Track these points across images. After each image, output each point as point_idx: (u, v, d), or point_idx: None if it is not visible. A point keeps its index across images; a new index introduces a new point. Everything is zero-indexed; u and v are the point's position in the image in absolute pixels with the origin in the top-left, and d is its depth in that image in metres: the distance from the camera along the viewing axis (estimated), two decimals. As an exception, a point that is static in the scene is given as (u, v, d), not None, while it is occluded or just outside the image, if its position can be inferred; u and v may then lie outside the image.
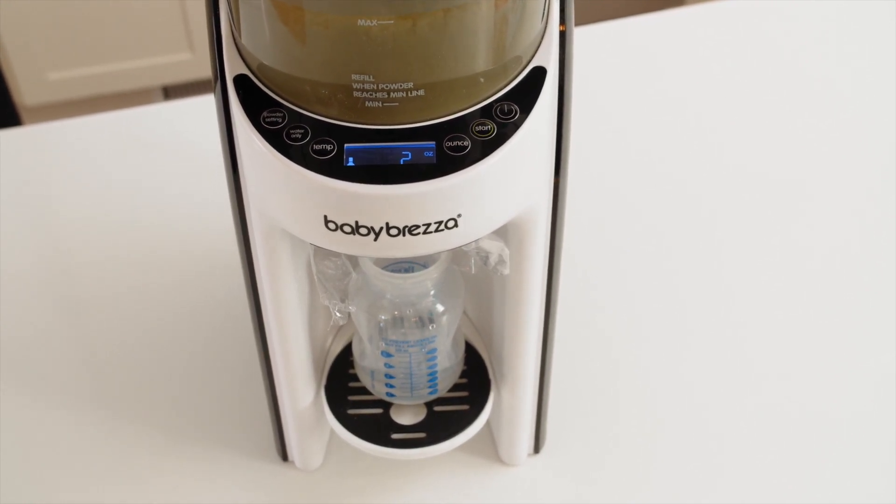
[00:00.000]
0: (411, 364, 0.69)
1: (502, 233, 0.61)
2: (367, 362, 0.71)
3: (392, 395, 0.71)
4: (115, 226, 0.96)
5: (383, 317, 0.67)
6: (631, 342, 0.86)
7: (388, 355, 0.68)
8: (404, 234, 0.54)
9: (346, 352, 0.75)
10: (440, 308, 0.67)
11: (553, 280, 0.66)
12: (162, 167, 1.02)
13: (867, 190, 0.99)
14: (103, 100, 2.00)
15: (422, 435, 0.70)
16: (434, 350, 0.69)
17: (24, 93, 1.96)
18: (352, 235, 0.54)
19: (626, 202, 0.99)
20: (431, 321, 0.67)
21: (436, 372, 0.70)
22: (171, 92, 2.10)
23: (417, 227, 0.54)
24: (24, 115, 2.00)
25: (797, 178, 1.00)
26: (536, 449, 0.77)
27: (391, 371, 0.70)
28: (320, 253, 0.67)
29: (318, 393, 0.73)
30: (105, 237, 0.95)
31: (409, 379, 0.70)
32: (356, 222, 0.54)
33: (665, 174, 1.02)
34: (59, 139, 1.07)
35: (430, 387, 0.71)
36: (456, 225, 0.55)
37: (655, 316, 0.88)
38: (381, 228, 0.54)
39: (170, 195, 0.99)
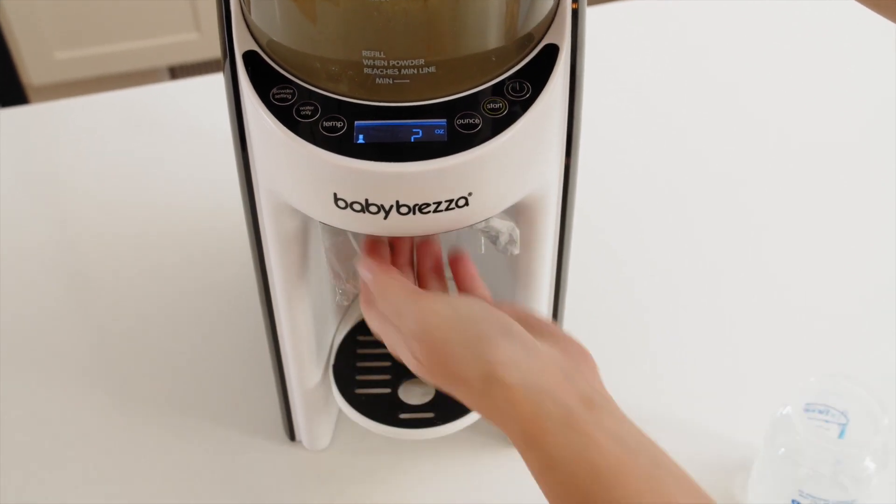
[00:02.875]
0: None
1: (512, 213, 0.60)
2: None
3: None
4: (123, 204, 0.96)
5: None
6: (641, 323, 0.85)
7: None
8: (414, 213, 0.54)
9: (354, 332, 0.75)
10: None
11: (563, 260, 0.66)
12: (169, 146, 1.01)
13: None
14: (110, 80, 1.99)
15: (430, 415, 0.70)
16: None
17: (31, 72, 1.95)
18: (361, 213, 0.54)
19: (645, 181, 0.98)
20: None
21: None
22: (178, 72, 2.09)
23: (428, 205, 0.54)
24: (30, 94, 2.00)
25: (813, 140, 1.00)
26: (545, 430, 0.76)
27: None
28: (330, 231, 0.67)
29: (325, 373, 0.72)
30: (112, 216, 0.94)
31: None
32: (366, 200, 0.53)
33: (687, 152, 1.01)
34: (65, 118, 1.06)
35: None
36: (466, 204, 0.54)
37: (667, 296, 0.88)
38: (391, 206, 0.53)
39: (177, 174, 0.99)
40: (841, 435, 0.68)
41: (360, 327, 0.75)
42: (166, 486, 0.74)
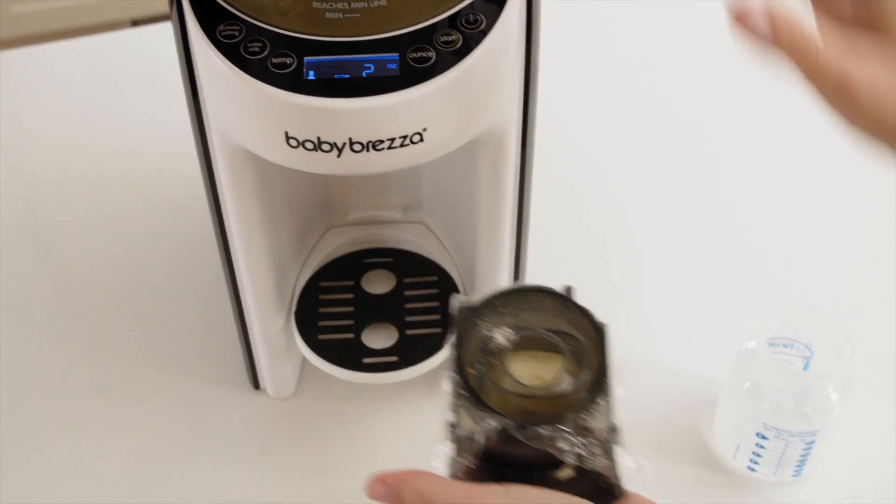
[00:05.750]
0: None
1: (470, 149, 0.59)
2: None
3: None
4: (81, 152, 0.93)
5: None
6: (603, 262, 0.85)
7: None
8: (368, 150, 0.53)
9: (316, 277, 0.74)
10: None
11: (524, 197, 0.65)
12: (128, 93, 0.99)
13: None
14: (70, 34, 1.95)
15: (393, 358, 0.69)
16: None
17: (-13, 27, 1.91)
18: (314, 152, 0.53)
19: (609, 119, 0.97)
20: None
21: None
22: (141, 25, 2.05)
23: (382, 141, 0.52)
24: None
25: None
26: (511, 372, 0.76)
27: None
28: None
29: (287, 319, 0.72)
30: (70, 163, 0.92)
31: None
32: (318, 138, 0.52)
33: (653, 91, 0.99)
34: (23, 67, 1.04)
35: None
36: (421, 139, 0.53)
37: (630, 234, 0.87)
38: (345, 144, 0.52)
39: (137, 120, 0.96)
40: (805, 367, 0.68)
41: (323, 273, 0.74)
42: (129, 437, 0.74)
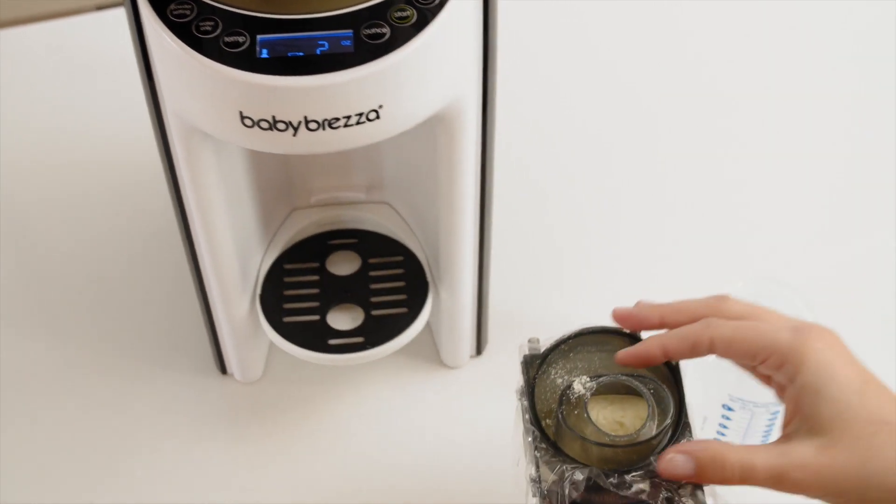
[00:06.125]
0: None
1: (429, 127, 0.59)
2: None
3: None
4: (46, 137, 0.92)
5: None
6: (573, 236, 0.85)
7: None
8: (324, 128, 0.52)
9: (281, 260, 0.73)
10: None
11: (487, 175, 0.65)
12: (93, 77, 0.97)
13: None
14: (35, 19, 1.93)
15: (359, 339, 0.69)
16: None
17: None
18: (269, 132, 0.52)
19: (567, 96, 0.97)
20: None
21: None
22: (105, 9, 2.03)
23: (337, 119, 0.52)
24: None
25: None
26: (479, 350, 0.76)
27: None
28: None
29: (252, 303, 0.71)
30: (34, 148, 0.91)
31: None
32: (273, 117, 0.52)
33: (612, 70, 0.99)
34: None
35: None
36: (378, 117, 0.53)
37: (594, 208, 0.87)
38: (300, 123, 0.52)
39: (101, 105, 0.94)
40: None
41: (287, 255, 0.74)
42: (96, 425, 0.73)
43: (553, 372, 0.53)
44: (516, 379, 0.55)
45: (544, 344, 0.55)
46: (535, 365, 0.53)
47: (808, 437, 0.47)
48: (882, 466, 0.46)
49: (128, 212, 0.86)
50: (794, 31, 1.01)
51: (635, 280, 0.82)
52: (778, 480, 0.47)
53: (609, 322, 0.55)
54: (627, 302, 0.79)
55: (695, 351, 0.50)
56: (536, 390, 0.52)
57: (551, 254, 0.84)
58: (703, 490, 0.49)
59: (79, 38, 1.04)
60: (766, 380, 0.52)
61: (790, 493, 0.48)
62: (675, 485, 0.48)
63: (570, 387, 0.51)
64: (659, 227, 0.86)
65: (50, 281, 0.82)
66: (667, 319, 0.51)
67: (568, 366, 0.54)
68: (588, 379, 0.51)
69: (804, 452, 0.47)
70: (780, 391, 0.51)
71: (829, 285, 0.79)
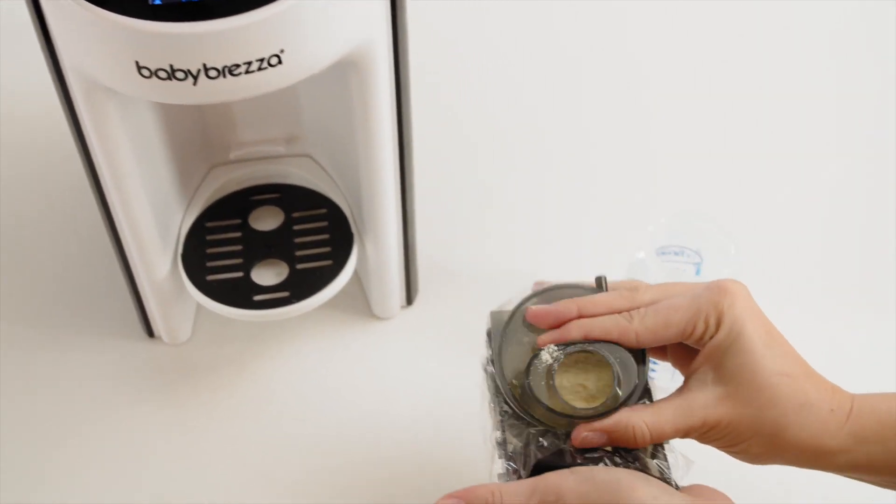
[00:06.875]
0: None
1: (339, 71, 0.58)
2: None
3: None
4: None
5: None
6: (500, 181, 0.84)
7: None
8: (225, 76, 0.51)
9: (202, 218, 0.72)
10: None
11: (404, 121, 0.64)
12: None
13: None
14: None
15: (285, 294, 0.68)
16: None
17: None
18: (168, 81, 0.51)
19: (492, 36, 0.95)
20: None
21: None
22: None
23: (238, 66, 0.51)
24: None
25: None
26: (409, 300, 0.75)
27: None
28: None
29: (174, 263, 0.70)
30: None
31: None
32: (171, 66, 0.50)
33: (535, 14, 0.98)
34: None
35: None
36: (280, 62, 0.51)
37: (513, 149, 0.86)
38: (199, 71, 0.50)
39: (8, 66, 0.92)
40: (697, 273, 0.68)
41: (208, 213, 0.72)
42: (22, 395, 0.71)
43: (520, 331, 0.53)
44: (481, 350, 0.55)
45: (508, 305, 0.55)
46: (502, 327, 0.53)
47: (713, 386, 0.49)
48: (778, 415, 0.48)
49: (40, 174, 0.84)
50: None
51: (563, 222, 0.81)
52: (685, 435, 0.50)
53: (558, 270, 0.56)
54: (549, 247, 0.80)
55: (619, 343, 0.51)
56: (503, 352, 0.52)
57: (480, 201, 0.83)
58: (662, 450, 0.50)
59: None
60: (682, 357, 0.53)
61: (700, 443, 0.50)
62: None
63: (537, 356, 0.51)
64: (585, 170, 0.85)
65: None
66: (585, 314, 0.52)
67: (535, 328, 0.54)
68: (556, 348, 0.51)
69: (706, 403, 0.49)
70: (687, 362, 0.52)
71: (750, 221, 0.79)
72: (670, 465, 0.50)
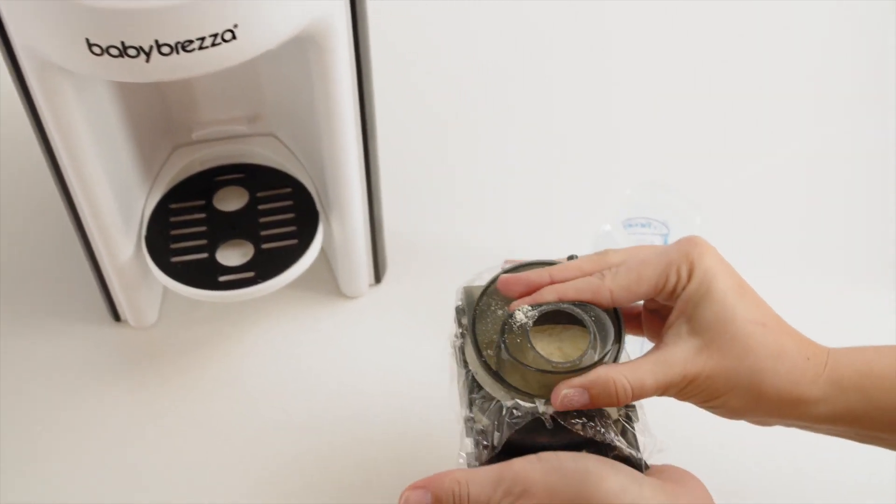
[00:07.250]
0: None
1: (297, 46, 0.57)
2: None
3: None
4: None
5: None
6: (467, 156, 0.84)
7: None
8: (178, 52, 0.50)
9: (165, 200, 0.71)
10: None
11: (366, 97, 0.63)
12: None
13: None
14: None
15: (250, 274, 0.67)
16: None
17: None
18: (120, 58, 0.50)
19: (459, 11, 0.95)
20: None
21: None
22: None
23: (191, 41, 0.50)
24: None
25: None
26: (378, 279, 0.75)
27: None
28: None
29: (138, 245, 0.69)
30: None
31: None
32: (122, 43, 0.49)
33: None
34: None
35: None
36: (234, 37, 0.51)
37: (479, 123, 0.86)
38: (151, 47, 0.50)
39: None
40: (665, 244, 0.68)
41: (172, 194, 0.72)
42: (-13, 382, 0.71)
43: (493, 304, 0.52)
44: (450, 325, 0.54)
45: (478, 279, 0.54)
46: (475, 300, 0.52)
47: (689, 338, 0.48)
48: (754, 364, 0.47)
49: (7, 160, 0.83)
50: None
51: (530, 197, 0.81)
52: (665, 391, 0.49)
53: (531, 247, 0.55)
54: (516, 221, 0.79)
55: (594, 302, 0.51)
56: (478, 324, 0.52)
57: (447, 177, 0.83)
58: (633, 421, 0.50)
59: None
60: (657, 327, 0.53)
61: (678, 399, 0.50)
62: (606, 421, 0.49)
63: (511, 316, 0.50)
64: (551, 144, 0.85)
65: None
66: (556, 279, 0.51)
67: (507, 298, 0.53)
68: (530, 308, 0.50)
69: (685, 356, 0.48)
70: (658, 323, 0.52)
71: (714, 191, 0.79)
72: (640, 445, 0.49)
